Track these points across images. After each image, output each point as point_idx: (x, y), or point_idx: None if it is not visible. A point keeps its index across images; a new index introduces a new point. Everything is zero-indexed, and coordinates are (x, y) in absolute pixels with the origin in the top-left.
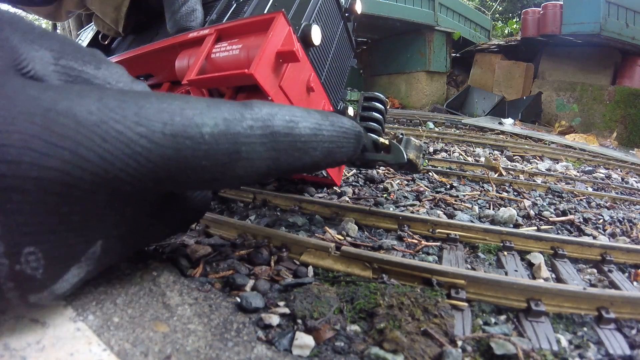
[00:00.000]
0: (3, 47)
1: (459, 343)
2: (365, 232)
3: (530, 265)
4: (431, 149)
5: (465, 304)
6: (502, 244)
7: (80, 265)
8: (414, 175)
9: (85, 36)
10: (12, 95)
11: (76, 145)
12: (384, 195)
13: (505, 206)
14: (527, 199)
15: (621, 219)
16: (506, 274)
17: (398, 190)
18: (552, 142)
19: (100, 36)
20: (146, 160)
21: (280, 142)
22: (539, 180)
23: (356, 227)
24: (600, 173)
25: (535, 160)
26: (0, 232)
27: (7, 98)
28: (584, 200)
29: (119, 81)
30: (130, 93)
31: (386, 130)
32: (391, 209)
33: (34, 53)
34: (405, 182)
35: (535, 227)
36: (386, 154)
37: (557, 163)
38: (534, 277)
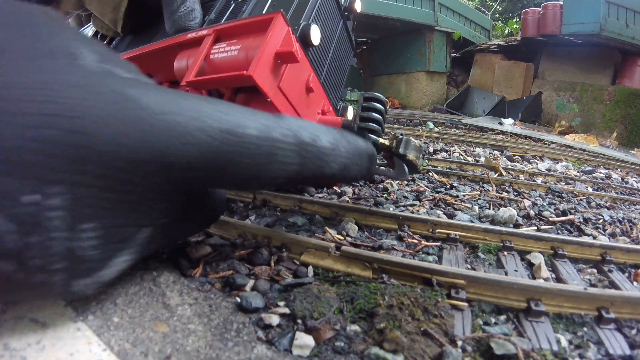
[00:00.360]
0: (68, 46)
1: (459, 343)
2: (365, 232)
3: (530, 265)
4: (431, 149)
5: (465, 304)
6: (502, 244)
7: (129, 251)
8: (414, 175)
9: None
10: (83, 72)
11: (145, 129)
12: (384, 195)
13: (505, 206)
14: (527, 199)
15: (621, 219)
16: (506, 274)
17: (398, 190)
18: (552, 142)
19: (99, 36)
20: (199, 150)
21: (307, 150)
22: (539, 180)
23: (356, 227)
24: (600, 173)
25: (535, 160)
26: (67, 202)
27: (80, 75)
28: (584, 200)
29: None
30: (192, 96)
31: (386, 130)
32: (391, 209)
33: (85, 51)
34: (405, 182)
35: (535, 227)
36: (390, 167)
37: (557, 163)
38: (534, 277)
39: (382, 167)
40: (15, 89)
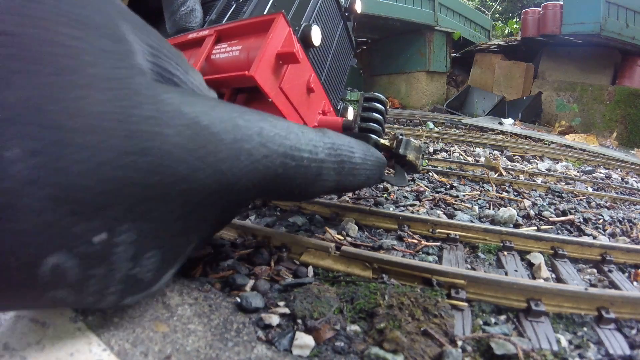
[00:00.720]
0: (117, 34)
1: (459, 343)
2: (365, 232)
3: (530, 265)
4: (431, 149)
5: (465, 304)
6: (502, 244)
7: (178, 264)
8: (414, 175)
9: None
10: (152, 98)
11: (218, 161)
12: (384, 195)
13: (505, 206)
14: (527, 199)
15: (621, 219)
16: (506, 274)
17: (398, 190)
18: (552, 142)
19: None
20: (263, 177)
21: (344, 167)
22: (539, 180)
23: (356, 227)
24: (600, 173)
25: (535, 160)
26: (134, 238)
27: (149, 101)
28: (584, 200)
29: (201, 90)
30: (247, 111)
31: (386, 130)
32: (391, 209)
33: (138, 46)
34: (405, 186)
35: (535, 227)
36: (391, 173)
37: (557, 163)
38: (534, 277)
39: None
40: (93, 118)
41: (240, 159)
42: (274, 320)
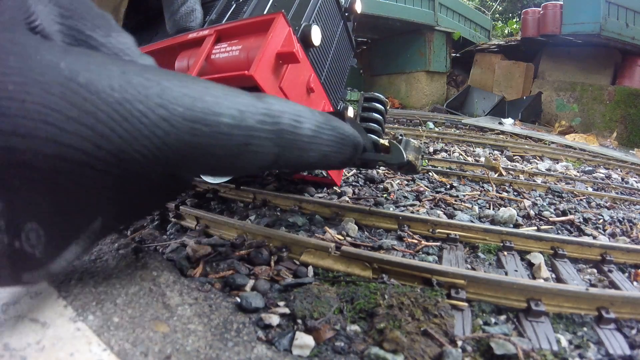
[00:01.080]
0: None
1: (459, 343)
2: (365, 232)
3: (530, 265)
4: (431, 149)
5: (465, 304)
6: (502, 244)
7: (79, 243)
8: (414, 175)
9: None
10: (27, 57)
11: (96, 122)
12: (384, 195)
13: (505, 206)
14: (527, 199)
15: (621, 219)
16: (506, 274)
17: (398, 190)
18: (552, 142)
19: None
20: (163, 143)
21: (285, 139)
22: (539, 180)
23: (356, 227)
24: (600, 173)
25: (535, 160)
26: (1, 207)
27: (22, 59)
28: (584, 200)
29: (127, 54)
30: (152, 70)
31: (386, 130)
32: (391, 209)
33: (42, 7)
34: (405, 182)
35: (535, 227)
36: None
37: (557, 163)
38: (534, 277)
39: (378, 154)
40: None
41: (129, 120)
42: (274, 320)
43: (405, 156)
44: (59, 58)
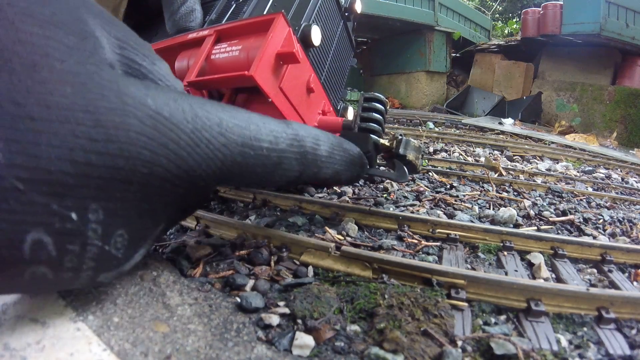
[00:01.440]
0: (85, 31)
1: (459, 343)
2: (365, 232)
3: (530, 265)
4: (431, 149)
5: (465, 304)
6: (502, 244)
7: (147, 245)
8: (414, 175)
9: None
10: (120, 93)
11: (178, 148)
12: (384, 195)
13: (505, 206)
14: (527, 199)
15: (621, 219)
16: (506, 274)
17: (398, 190)
18: (552, 142)
19: None
20: (222, 164)
21: (307, 159)
22: (539, 180)
23: (356, 227)
24: (600, 173)
25: (535, 160)
26: (102, 217)
27: (117, 94)
28: (584, 200)
29: (168, 79)
30: (208, 103)
31: (386, 130)
32: (391, 209)
33: (105, 40)
34: (405, 182)
35: (535, 227)
36: (390, 168)
37: (557, 163)
38: (534, 277)
39: (382, 168)
40: (63, 109)
41: (200, 146)
42: (274, 320)
43: (407, 177)
44: (144, 94)
